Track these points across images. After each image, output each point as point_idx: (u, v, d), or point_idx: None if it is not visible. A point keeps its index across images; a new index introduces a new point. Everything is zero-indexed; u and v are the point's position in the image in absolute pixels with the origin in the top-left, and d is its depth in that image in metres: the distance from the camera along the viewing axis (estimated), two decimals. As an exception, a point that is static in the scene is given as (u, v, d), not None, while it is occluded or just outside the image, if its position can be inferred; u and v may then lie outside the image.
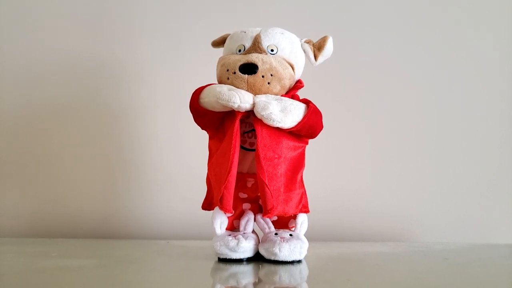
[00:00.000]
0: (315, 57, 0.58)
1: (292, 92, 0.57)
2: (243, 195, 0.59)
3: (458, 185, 0.82)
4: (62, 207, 0.84)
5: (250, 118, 0.55)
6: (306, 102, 0.54)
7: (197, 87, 0.55)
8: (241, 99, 0.49)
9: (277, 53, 0.55)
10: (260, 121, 0.51)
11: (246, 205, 0.60)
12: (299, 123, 0.51)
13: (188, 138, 0.82)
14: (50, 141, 0.85)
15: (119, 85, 0.85)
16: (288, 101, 0.52)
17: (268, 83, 0.53)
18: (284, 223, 0.59)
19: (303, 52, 0.58)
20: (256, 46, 0.55)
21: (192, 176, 0.77)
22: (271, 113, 0.49)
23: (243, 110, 0.51)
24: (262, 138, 0.51)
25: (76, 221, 0.83)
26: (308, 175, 0.59)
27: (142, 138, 0.84)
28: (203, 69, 0.68)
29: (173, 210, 0.83)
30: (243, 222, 0.58)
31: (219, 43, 0.62)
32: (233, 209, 0.55)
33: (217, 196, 0.53)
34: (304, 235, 0.57)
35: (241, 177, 0.57)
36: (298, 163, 0.57)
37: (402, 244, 0.73)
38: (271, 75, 0.53)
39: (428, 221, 0.82)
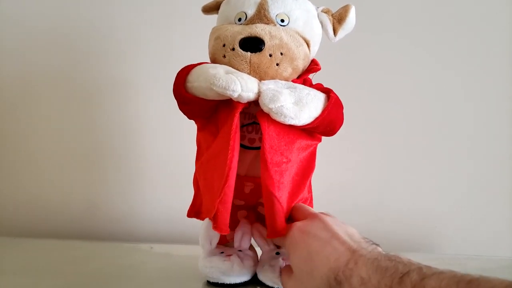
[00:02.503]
0: (335, 32, 0.45)
1: (304, 75, 0.45)
2: (239, 202, 0.47)
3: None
4: (33, 203, 0.73)
5: (250, 107, 0.42)
6: (326, 91, 0.42)
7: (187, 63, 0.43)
8: (242, 87, 0.37)
9: (289, 24, 0.42)
10: (266, 115, 0.38)
11: (241, 213, 0.49)
12: (317, 118, 0.39)
13: (180, 123, 0.70)
14: (19, 127, 0.73)
15: (99, 58, 0.72)
16: (304, 89, 0.39)
17: (277, 64, 0.40)
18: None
19: (319, 25, 0.45)
20: (261, 15, 0.42)
21: (183, 170, 0.64)
22: (282, 106, 0.37)
23: (245, 101, 0.39)
24: (269, 138, 0.39)
25: (45, 217, 0.73)
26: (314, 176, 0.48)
27: (125, 122, 0.73)
28: (196, 40, 0.55)
29: (160, 209, 0.73)
30: (238, 236, 0.47)
31: (212, 8, 0.49)
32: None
33: (208, 208, 0.42)
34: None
35: (238, 180, 0.44)
36: (308, 166, 0.45)
37: (420, 255, 0.64)
38: (281, 53, 0.40)
39: (450, 231, 0.73)
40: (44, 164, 0.74)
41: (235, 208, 0.47)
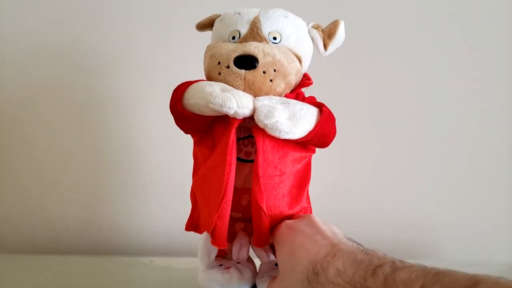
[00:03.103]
0: (325, 47, 0.47)
1: (297, 90, 0.46)
2: (236, 214, 0.48)
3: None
4: (34, 218, 0.73)
5: (246, 121, 0.43)
6: (319, 105, 0.43)
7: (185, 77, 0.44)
8: (238, 104, 0.38)
9: (281, 42, 0.44)
10: (261, 130, 0.40)
11: (239, 225, 0.50)
12: (310, 132, 0.40)
13: (178, 137, 0.70)
14: (19, 141, 0.73)
15: (98, 72, 0.73)
16: (297, 105, 0.41)
17: (271, 80, 0.42)
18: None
19: (310, 40, 0.47)
20: (254, 33, 0.43)
21: (181, 183, 0.62)
22: (277, 121, 0.38)
23: (241, 117, 0.40)
24: (264, 152, 0.40)
25: (45, 233, 0.73)
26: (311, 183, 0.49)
27: (125, 136, 0.74)
28: (192, 54, 0.55)
29: (160, 222, 0.73)
30: (236, 248, 0.48)
31: (206, 25, 0.50)
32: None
33: (206, 222, 0.43)
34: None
35: (235, 193, 0.45)
36: (304, 177, 0.47)
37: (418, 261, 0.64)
38: (274, 70, 0.42)
39: (448, 237, 0.74)
40: (44, 178, 0.73)
41: (232, 220, 0.48)
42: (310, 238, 0.37)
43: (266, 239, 0.42)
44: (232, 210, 0.46)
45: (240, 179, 0.47)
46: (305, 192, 0.47)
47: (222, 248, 0.42)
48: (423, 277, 0.27)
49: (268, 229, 0.41)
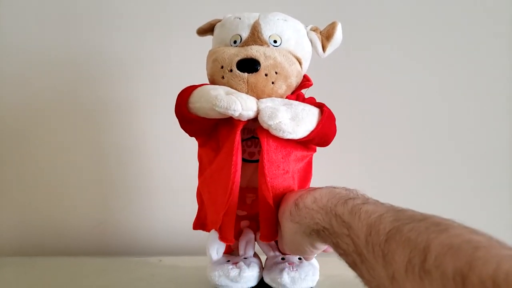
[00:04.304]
0: (323, 48, 0.48)
1: (297, 91, 0.48)
2: (241, 213, 0.50)
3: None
4: (43, 221, 0.74)
5: (249, 123, 0.45)
6: (319, 105, 0.45)
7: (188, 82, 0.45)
8: (243, 106, 0.39)
9: (281, 44, 0.45)
10: (265, 131, 0.41)
11: (244, 223, 0.52)
12: (312, 131, 0.42)
13: (182, 141, 0.71)
14: (29, 147, 0.74)
15: (103, 80, 0.74)
16: (299, 105, 0.42)
17: (273, 82, 0.43)
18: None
19: (309, 43, 0.48)
20: (255, 37, 0.45)
21: (186, 185, 0.61)
22: (280, 122, 0.40)
23: (245, 119, 0.41)
24: (268, 152, 0.42)
25: (54, 235, 0.74)
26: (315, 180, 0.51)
27: (130, 141, 0.75)
28: (195, 60, 0.56)
29: (167, 222, 0.75)
30: (242, 244, 0.50)
31: (206, 30, 0.52)
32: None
33: (213, 220, 0.44)
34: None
35: (240, 192, 0.47)
36: (306, 175, 0.49)
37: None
38: (276, 72, 0.43)
39: None
40: (53, 182, 0.75)
41: (238, 218, 0.50)
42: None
43: (274, 234, 0.43)
44: (237, 208, 0.48)
45: (245, 179, 0.48)
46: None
47: (230, 244, 0.44)
48: (386, 210, 0.29)
49: (275, 224, 0.43)
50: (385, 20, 0.75)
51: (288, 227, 0.39)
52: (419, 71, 0.75)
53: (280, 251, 0.50)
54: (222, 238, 0.43)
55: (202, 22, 0.52)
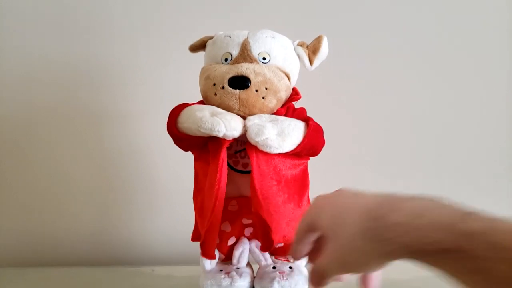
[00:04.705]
0: (310, 62, 0.51)
1: (287, 104, 0.50)
2: (246, 221, 0.51)
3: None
4: (39, 232, 0.76)
5: (241, 135, 0.46)
6: (305, 119, 0.47)
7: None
8: (226, 127, 0.42)
9: (270, 61, 0.48)
10: (254, 146, 0.43)
11: (248, 230, 0.53)
12: (298, 145, 0.44)
13: (179, 153, 0.71)
14: (28, 157, 0.75)
15: (105, 91, 0.75)
16: (285, 121, 0.45)
17: (263, 97, 0.45)
18: (283, 250, 0.53)
19: (297, 57, 0.51)
20: (245, 54, 0.47)
21: (182, 194, 0.62)
22: (267, 138, 0.42)
23: (230, 138, 0.44)
24: (259, 166, 0.44)
25: (51, 246, 0.75)
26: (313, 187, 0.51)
27: (128, 153, 0.76)
28: (190, 74, 0.58)
29: (162, 231, 0.76)
30: (236, 254, 0.51)
31: (198, 47, 0.54)
32: (236, 236, 0.50)
33: (200, 235, 0.47)
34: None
35: (245, 201, 0.50)
36: (302, 182, 0.50)
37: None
38: (266, 88, 0.45)
39: None
40: (50, 193, 0.76)
41: (243, 226, 0.52)
42: (355, 196, 0.33)
43: (270, 244, 0.45)
44: (243, 217, 0.51)
45: (247, 189, 0.49)
46: (306, 197, 0.50)
47: (211, 259, 0.47)
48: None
49: (270, 234, 0.45)
50: (387, 19, 0.75)
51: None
52: (416, 76, 0.76)
53: (272, 261, 0.51)
54: (203, 253, 0.45)
55: (199, 29, 0.54)
